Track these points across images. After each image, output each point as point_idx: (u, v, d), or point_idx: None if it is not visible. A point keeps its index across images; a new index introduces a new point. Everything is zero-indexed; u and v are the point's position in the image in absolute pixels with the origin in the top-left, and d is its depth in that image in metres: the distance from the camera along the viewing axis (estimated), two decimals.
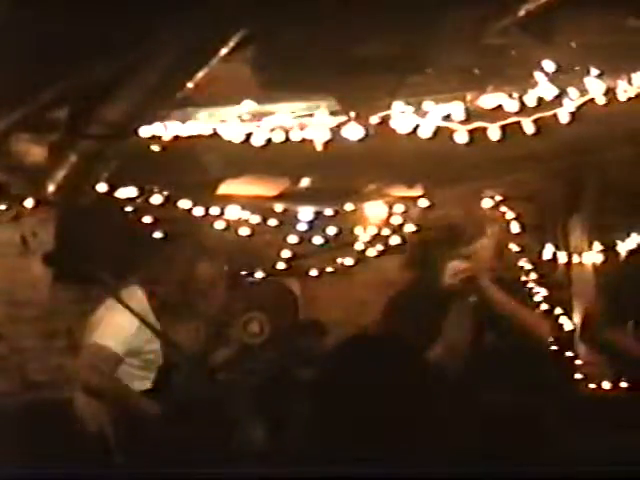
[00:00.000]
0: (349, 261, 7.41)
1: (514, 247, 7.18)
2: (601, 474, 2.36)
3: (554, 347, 6.75)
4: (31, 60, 4.24)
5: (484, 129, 5.04)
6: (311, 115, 5.26)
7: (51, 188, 5.35)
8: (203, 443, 4.35)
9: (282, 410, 4.59)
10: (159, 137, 5.32)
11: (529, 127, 4.99)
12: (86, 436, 4.87)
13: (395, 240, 7.22)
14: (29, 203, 6.04)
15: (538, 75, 4.90)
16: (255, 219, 6.88)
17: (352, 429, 2.32)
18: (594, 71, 4.88)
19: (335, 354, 2.48)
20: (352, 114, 5.19)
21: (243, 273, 6.78)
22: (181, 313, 5.04)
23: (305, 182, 6.52)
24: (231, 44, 4.63)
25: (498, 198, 7.10)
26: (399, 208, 7.10)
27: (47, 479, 2.57)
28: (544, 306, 6.95)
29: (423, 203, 6.97)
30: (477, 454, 2.62)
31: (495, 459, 2.61)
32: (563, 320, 7.03)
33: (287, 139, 5.24)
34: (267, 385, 5.53)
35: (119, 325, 4.77)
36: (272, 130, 5.25)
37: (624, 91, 4.94)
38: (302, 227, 7.06)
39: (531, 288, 7.00)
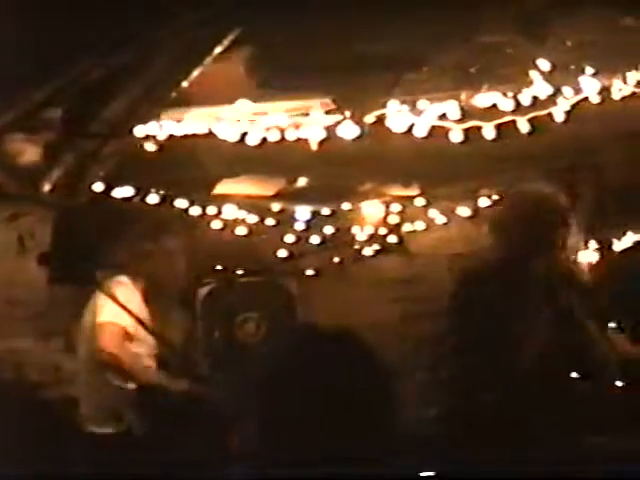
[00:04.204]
0: (346, 260, 7.39)
1: None
2: (601, 473, 2.35)
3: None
4: (25, 59, 4.24)
5: (479, 128, 5.05)
6: (306, 114, 5.27)
7: (47, 188, 5.34)
8: (197, 443, 4.35)
9: (277, 410, 4.58)
10: (154, 136, 5.32)
11: (524, 126, 5.00)
12: (84, 435, 4.87)
13: (392, 239, 7.21)
14: (25, 203, 6.04)
15: (533, 74, 4.91)
16: (252, 219, 6.87)
17: (344, 429, 2.31)
18: (589, 70, 4.89)
19: (324, 353, 2.47)
20: (347, 113, 5.19)
21: (240, 273, 6.77)
22: (176, 311, 5.04)
23: (302, 181, 6.51)
24: (226, 43, 4.63)
25: (495, 197, 7.08)
26: (396, 207, 7.09)
27: (45, 479, 2.57)
28: None
29: (420, 202, 6.96)
30: (472, 455, 2.62)
31: (492, 460, 2.60)
32: None
33: (282, 138, 5.25)
34: (263, 385, 5.52)
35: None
36: (267, 129, 5.26)
37: (619, 90, 4.95)
38: (299, 226, 7.05)
39: None
